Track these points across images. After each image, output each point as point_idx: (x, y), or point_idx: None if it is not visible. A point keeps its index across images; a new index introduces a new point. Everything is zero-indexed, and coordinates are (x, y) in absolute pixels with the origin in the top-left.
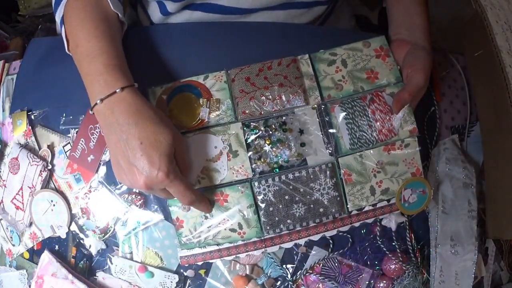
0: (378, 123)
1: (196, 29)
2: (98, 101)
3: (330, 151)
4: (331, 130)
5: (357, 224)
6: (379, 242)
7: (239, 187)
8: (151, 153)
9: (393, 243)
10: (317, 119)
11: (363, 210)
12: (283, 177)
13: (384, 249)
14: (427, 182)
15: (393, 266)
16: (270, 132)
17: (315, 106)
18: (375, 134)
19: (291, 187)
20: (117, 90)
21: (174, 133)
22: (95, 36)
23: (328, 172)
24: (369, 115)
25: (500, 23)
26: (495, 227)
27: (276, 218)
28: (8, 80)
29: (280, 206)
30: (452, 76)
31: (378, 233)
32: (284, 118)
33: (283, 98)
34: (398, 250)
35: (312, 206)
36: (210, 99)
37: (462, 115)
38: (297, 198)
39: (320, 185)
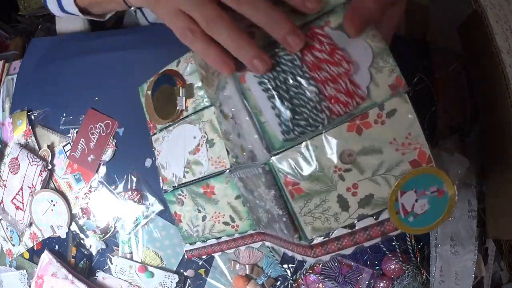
0: (327, 85)
1: None
2: None
3: (265, 146)
4: (250, 112)
5: (326, 258)
6: (379, 242)
7: (223, 178)
8: None
9: (393, 243)
10: (241, 98)
11: (332, 237)
12: (239, 173)
13: (384, 249)
14: (444, 172)
15: (393, 266)
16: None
17: (229, 77)
18: (324, 106)
19: (248, 187)
20: None
21: None
22: None
23: (263, 179)
24: (306, 75)
25: (500, 23)
26: (495, 227)
27: (255, 216)
28: (8, 80)
29: (252, 205)
30: (452, 76)
31: None
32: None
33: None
34: (398, 250)
35: (270, 216)
36: (185, 86)
37: (462, 115)
38: (257, 201)
39: (263, 196)
